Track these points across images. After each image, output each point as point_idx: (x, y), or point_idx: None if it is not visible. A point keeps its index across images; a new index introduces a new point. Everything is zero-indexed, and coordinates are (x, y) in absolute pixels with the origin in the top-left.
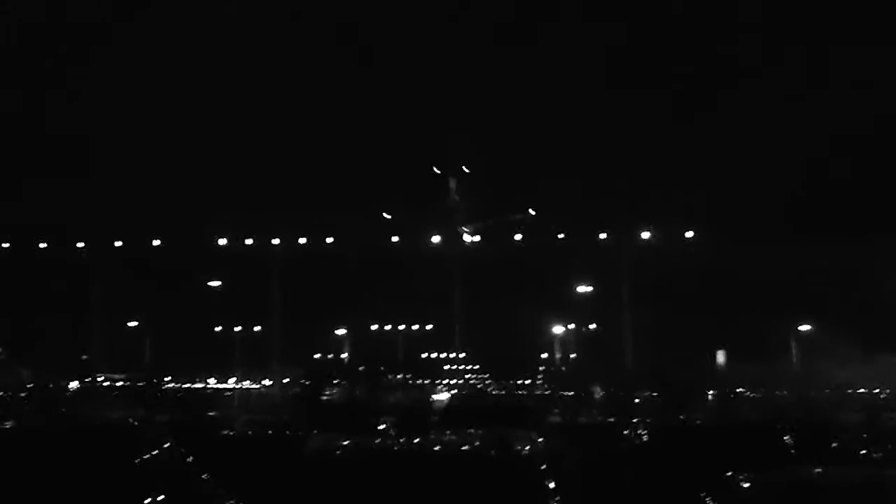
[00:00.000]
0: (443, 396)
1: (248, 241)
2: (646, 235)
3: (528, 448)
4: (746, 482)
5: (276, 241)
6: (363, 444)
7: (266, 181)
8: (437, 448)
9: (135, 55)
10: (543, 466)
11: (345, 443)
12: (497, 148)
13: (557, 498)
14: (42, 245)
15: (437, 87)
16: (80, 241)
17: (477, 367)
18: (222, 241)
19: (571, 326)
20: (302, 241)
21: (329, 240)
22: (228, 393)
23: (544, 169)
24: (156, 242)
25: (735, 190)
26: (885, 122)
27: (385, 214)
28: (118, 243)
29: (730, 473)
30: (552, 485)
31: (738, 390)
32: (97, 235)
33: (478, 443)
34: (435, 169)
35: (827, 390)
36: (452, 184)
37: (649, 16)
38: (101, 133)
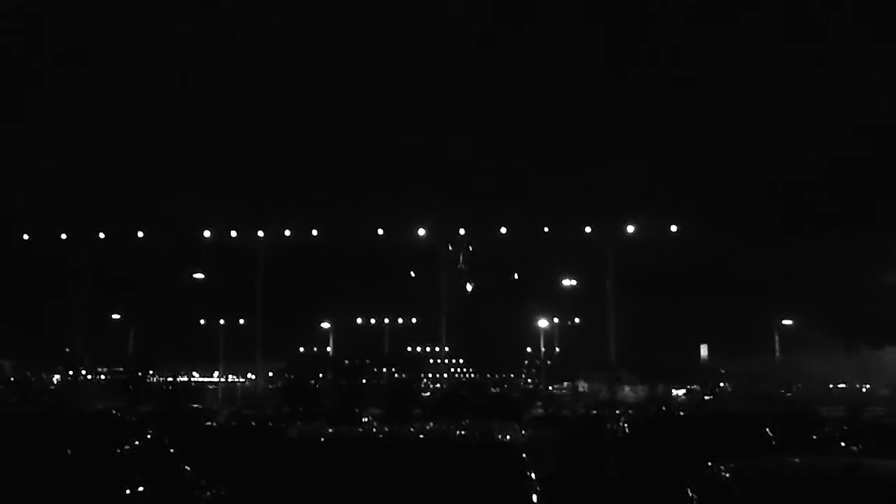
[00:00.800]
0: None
1: (233, 234)
2: (630, 229)
3: (509, 437)
4: (727, 472)
5: (260, 234)
6: (345, 432)
7: (251, 174)
8: (420, 436)
9: (121, 48)
10: (524, 455)
11: (327, 431)
12: (485, 142)
13: (538, 488)
14: (24, 236)
15: (425, 84)
16: (63, 232)
17: (462, 360)
18: (207, 234)
19: (556, 321)
20: (287, 233)
21: (314, 232)
22: (213, 386)
23: (530, 163)
24: (139, 234)
25: (719, 184)
26: (872, 123)
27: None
28: (101, 235)
29: (710, 463)
30: (533, 475)
31: (720, 384)
32: (80, 226)
33: (460, 432)
34: (449, 246)
35: (798, 385)
36: (461, 258)
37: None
38: (86, 124)
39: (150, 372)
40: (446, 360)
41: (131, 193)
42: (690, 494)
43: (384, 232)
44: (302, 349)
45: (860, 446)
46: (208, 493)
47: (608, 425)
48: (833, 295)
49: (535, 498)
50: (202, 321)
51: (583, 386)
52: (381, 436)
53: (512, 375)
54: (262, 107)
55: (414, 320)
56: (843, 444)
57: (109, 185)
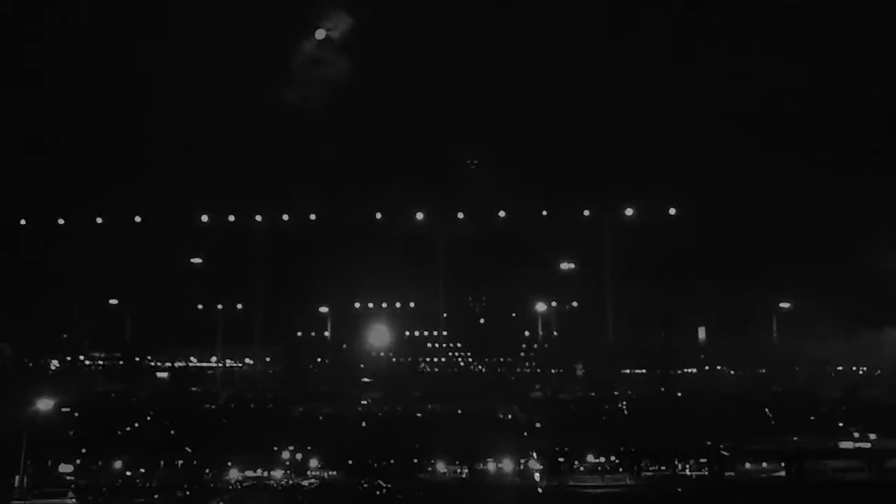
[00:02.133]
0: None
1: (231, 218)
2: (629, 212)
3: (510, 416)
4: (726, 451)
5: (258, 218)
6: (346, 411)
7: (250, 159)
8: (419, 415)
9: (119, 24)
10: (525, 434)
11: (327, 411)
12: (483, 125)
13: (541, 465)
14: (21, 221)
15: (421, 69)
16: (60, 217)
17: (459, 344)
18: (204, 218)
19: (554, 304)
20: (285, 218)
21: (312, 217)
22: (211, 371)
23: (528, 147)
24: (137, 219)
25: (718, 168)
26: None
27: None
28: (99, 220)
29: (709, 443)
30: (535, 454)
31: (718, 367)
32: (79, 211)
33: (460, 411)
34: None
35: (797, 368)
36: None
37: None
38: (84, 108)
39: (148, 357)
40: (444, 345)
41: (129, 177)
42: (689, 473)
43: (382, 216)
44: (300, 333)
45: (859, 426)
46: (207, 472)
47: (606, 406)
48: (831, 278)
49: (538, 477)
50: (199, 306)
51: (580, 369)
52: (381, 414)
53: (510, 359)
54: (263, 94)
55: (412, 304)
56: (840, 424)
57: (106, 169)
